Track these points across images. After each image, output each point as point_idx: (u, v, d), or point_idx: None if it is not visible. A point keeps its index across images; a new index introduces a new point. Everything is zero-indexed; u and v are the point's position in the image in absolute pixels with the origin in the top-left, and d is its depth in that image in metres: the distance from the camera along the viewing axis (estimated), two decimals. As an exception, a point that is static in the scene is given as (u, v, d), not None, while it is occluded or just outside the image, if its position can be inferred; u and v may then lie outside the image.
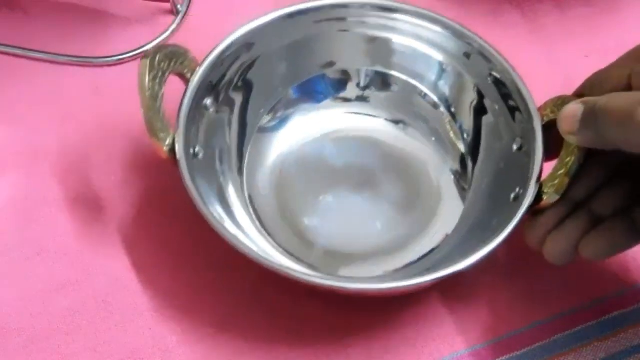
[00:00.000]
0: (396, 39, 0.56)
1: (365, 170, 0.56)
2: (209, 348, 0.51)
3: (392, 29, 0.56)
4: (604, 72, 0.49)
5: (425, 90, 0.57)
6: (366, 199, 0.55)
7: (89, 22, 0.62)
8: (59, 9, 0.63)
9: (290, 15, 0.55)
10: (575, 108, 0.46)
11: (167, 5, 0.63)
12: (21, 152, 0.57)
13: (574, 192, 0.49)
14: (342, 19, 0.56)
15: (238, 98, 0.55)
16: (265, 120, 0.57)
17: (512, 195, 0.51)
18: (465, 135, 0.56)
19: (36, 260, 0.54)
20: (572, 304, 0.53)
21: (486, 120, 0.55)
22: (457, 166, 0.56)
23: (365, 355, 0.51)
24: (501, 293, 0.53)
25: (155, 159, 0.52)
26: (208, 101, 0.53)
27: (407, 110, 0.58)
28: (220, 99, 0.54)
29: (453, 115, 0.56)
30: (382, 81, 0.58)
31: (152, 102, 0.50)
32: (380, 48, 0.57)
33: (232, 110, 0.55)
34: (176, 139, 0.50)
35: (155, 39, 0.62)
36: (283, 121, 0.57)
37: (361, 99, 0.58)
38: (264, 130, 0.57)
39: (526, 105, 0.52)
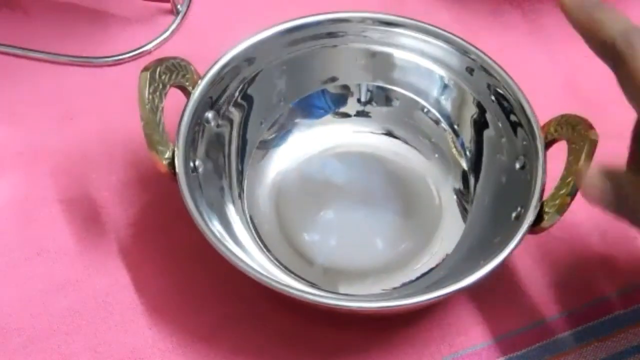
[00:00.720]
0: (397, 54, 0.56)
1: (366, 186, 0.56)
2: (208, 348, 0.51)
3: (393, 44, 0.56)
4: None
5: (426, 105, 0.56)
6: (366, 215, 0.55)
7: (89, 22, 0.62)
8: (59, 9, 0.63)
9: (291, 30, 0.55)
10: (600, 184, 0.44)
11: (167, 5, 0.63)
12: (21, 152, 0.57)
13: None
14: (343, 34, 0.56)
15: (238, 113, 0.55)
16: (266, 135, 0.56)
17: (514, 214, 0.50)
18: (467, 152, 0.55)
19: (36, 260, 0.54)
20: (572, 304, 0.53)
21: (488, 136, 0.54)
22: (458, 183, 0.55)
23: (365, 355, 0.51)
24: (501, 293, 0.53)
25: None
26: (209, 115, 0.53)
27: (408, 125, 0.57)
28: (221, 113, 0.54)
29: (455, 131, 0.56)
30: (383, 96, 0.57)
31: (152, 115, 0.49)
32: (381, 63, 0.56)
33: (232, 125, 0.55)
34: (176, 153, 0.50)
35: (155, 39, 0.62)
36: (283, 136, 0.57)
37: (362, 114, 0.58)
38: (264, 145, 0.56)
39: (529, 122, 0.51)
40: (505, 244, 0.48)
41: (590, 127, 0.48)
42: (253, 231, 0.54)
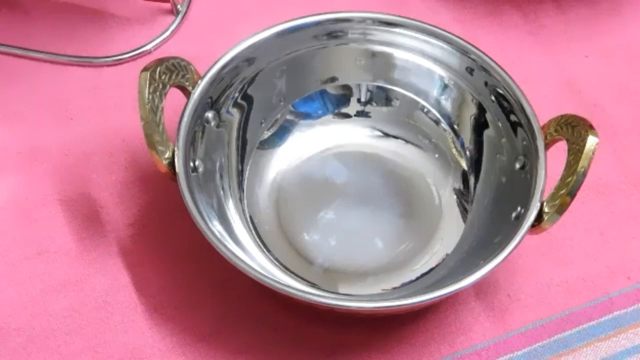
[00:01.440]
0: (398, 54, 0.56)
1: (366, 186, 0.56)
2: (208, 348, 0.51)
3: (393, 44, 0.56)
4: None
5: (426, 105, 0.56)
6: (366, 215, 0.55)
7: (89, 22, 0.62)
8: (59, 9, 0.63)
9: (290, 30, 0.54)
10: None
11: (167, 5, 0.63)
12: (21, 152, 0.57)
13: None
14: (343, 34, 0.56)
15: (239, 113, 0.55)
16: (266, 135, 0.56)
17: (514, 214, 0.50)
18: (467, 152, 0.55)
19: (36, 260, 0.54)
20: (572, 304, 0.53)
21: (488, 136, 0.54)
22: (458, 183, 0.55)
23: (365, 355, 0.51)
24: (501, 293, 0.53)
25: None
26: (209, 115, 0.53)
27: (408, 125, 0.57)
28: (221, 113, 0.54)
29: (455, 131, 0.56)
30: (383, 96, 0.57)
31: (152, 115, 0.49)
32: (381, 63, 0.56)
33: (232, 125, 0.55)
34: (175, 153, 0.50)
35: (155, 39, 0.62)
36: (283, 136, 0.57)
37: (362, 114, 0.58)
38: (264, 145, 0.56)
39: (529, 122, 0.51)
40: (505, 244, 0.48)
41: (590, 127, 0.48)
42: (253, 231, 0.54)
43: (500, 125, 0.54)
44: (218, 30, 0.62)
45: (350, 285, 0.53)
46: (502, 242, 0.48)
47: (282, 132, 0.57)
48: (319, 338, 0.52)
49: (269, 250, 0.53)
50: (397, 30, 0.55)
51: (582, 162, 0.47)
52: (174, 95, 0.52)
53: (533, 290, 0.53)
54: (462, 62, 0.55)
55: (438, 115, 0.56)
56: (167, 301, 0.53)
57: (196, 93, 0.52)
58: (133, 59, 0.61)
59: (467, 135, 0.55)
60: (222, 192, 0.54)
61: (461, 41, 0.54)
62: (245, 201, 0.55)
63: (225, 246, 0.48)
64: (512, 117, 0.53)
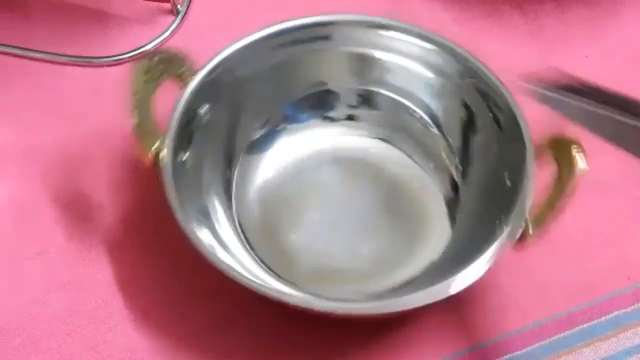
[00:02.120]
0: (385, 57, 0.56)
1: (354, 190, 0.55)
2: (208, 348, 0.51)
3: (381, 47, 0.55)
4: None
5: (415, 109, 0.56)
6: (353, 220, 0.54)
7: (89, 22, 0.62)
8: (60, 10, 0.63)
9: (277, 34, 0.54)
10: None
11: (167, 5, 0.63)
12: (21, 152, 0.57)
13: None
14: (330, 37, 0.55)
15: (228, 115, 0.55)
16: (254, 138, 0.56)
17: (499, 230, 0.49)
18: (456, 156, 0.55)
19: (36, 260, 0.54)
20: (572, 304, 0.53)
21: (477, 141, 0.54)
22: (447, 188, 0.55)
23: (364, 355, 0.51)
24: (501, 293, 0.53)
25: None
26: (202, 110, 0.53)
27: (397, 129, 0.57)
28: (214, 109, 0.54)
29: (444, 136, 0.55)
30: (372, 100, 0.57)
31: (142, 104, 0.49)
32: (369, 66, 0.56)
33: (222, 124, 0.54)
34: (164, 145, 0.50)
35: (155, 39, 0.62)
36: (272, 140, 0.56)
37: (350, 118, 0.57)
38: (252, 148, 0.56)
39: (520, 131, 0.50)
40: (483, 259, 0.47)
41: (580, 151, 0.47)
42: (238, 227, 0.53)
43: (490, 130, 0.53)
44: (218, 30, 0.62)
45: (332, 288, 0.52)
46: (486, 252, 0.48)
47: (271, 136, 0.57)
48: (317, 339, 0.52)
49: (252, 248, 0.53)
50: (385, 33, 0.55)
51: (569, 187, 0.47)
52: (172, 92, 0.51)
53: (533, 290, 0.53)
54: (452, 65, 0.54)
55: (427, 119, 0.56)
56: (167, 301, 0.53)
57: (192, 85, 0.52)
58: (133, 59, 0.61)
59: (456, 139, 0.55)
60: (208, 188, 0.53)
61: (451, 44, 0.54)
62: (233, 202, 0.54)
63: (206, 248, 0.48)
64: (502, 123, 0.52)
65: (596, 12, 0.64)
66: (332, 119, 0.57)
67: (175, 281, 0.53)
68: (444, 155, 0.55)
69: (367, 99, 0.57)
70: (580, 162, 0.47)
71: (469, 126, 0.54)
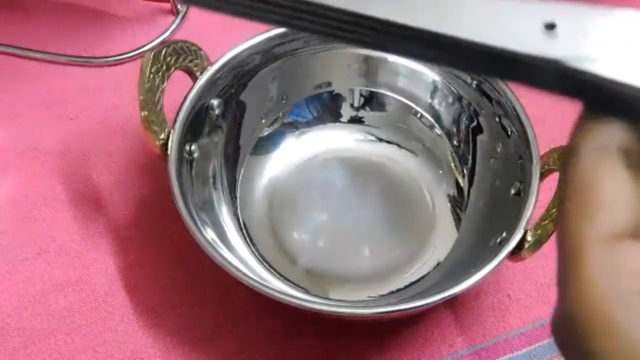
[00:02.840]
0: (391, 58, 0.56)
1: (359, 191, 0.56)
2: (207, 348, 0.51)
3: None
4: None
5: (420, 110, 0.56)
6: (358, 220, 0.54)
7: (89, 22, 0.62)
8: (60, 10, 0.63)
9: (283, 35, 0.54)
10: None
11: (167, 5, 0.63)
12: (21, 152, 0.57)
13: None
14: None
15: (234, 115, 0.55)
16: (260, 136, 0.56)
17: (498, 239, 0.49)
18: (460, 157, 0.55)
19: (36, 260, 0.54)
20: (572, 304, 0.53)
21: (482, 141, 0.54)
22: (452, 189, 0.55)
23: (364, 356, 0.51)
24: (501, 293, 0.53)
25: (154, 159, 0.51)
26: (214, 102, 0.53)
27: (402, 130, 0.57)
28: (226, 103, 0.54)
29: (449, 136, 0.55)
30: (377, 101, 0.57)
31: (150, 95, 0.49)
32: (374, 67, 0.56)
33: (229, 125, 0.54)
34: (171, 135, 0.49)
35: (155, 39, 0.62)
36: (277, 141, 0.57)
37: (355, 119, 0.57)
38: (258, 147, 0.56)
39: (526, 137, 0.50)
40: (481, 267, 0.46)
41: None
42: (241, 222, 0.53)
43: (494, 130, 0.53)
44: (218, 30, 0.62)
45: (332, 289, 0.52)
46: (482, 262, 0.47)
47: (276, 136, 0.57)
48: (319, 340, 0.52)
49: (253, 244, 0.53)
50: None
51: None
52: (185, 83, 0.51)
53: (533, 290, 0.53)
54: None
55: (432, 120, 0.56)
56: (166, 301, 0.53)
57: (203, 78, 0.51)
58: (133, 59, 0.61)
59: (461, 140, 0.55)
60: (213, 182, 0.53)
61: None
62: (237, 200, 0.54)
63: (208, 242, 0.47)
64: (508, 127, 0.52)
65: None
66: (337, 120, 0.57)
67: (176, 281, 0.53)
68: (448, 155, 0.56)
69: (371, 100, 0.57)
70: None
71: (473, 126, 0.54)
